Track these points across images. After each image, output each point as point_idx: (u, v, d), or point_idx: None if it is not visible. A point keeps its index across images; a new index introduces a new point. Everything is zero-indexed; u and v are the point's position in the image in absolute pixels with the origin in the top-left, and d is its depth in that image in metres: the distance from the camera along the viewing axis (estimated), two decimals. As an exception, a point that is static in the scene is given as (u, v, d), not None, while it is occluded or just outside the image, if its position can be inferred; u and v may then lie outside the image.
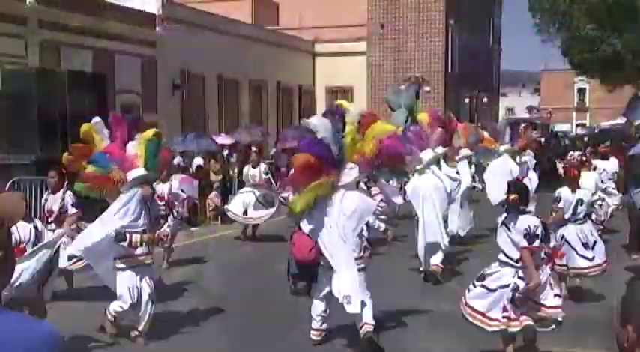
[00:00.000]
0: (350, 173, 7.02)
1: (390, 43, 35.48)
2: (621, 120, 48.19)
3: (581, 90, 74.79)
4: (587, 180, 9.85)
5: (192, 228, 14.16)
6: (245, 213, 13.64)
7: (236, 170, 18.54)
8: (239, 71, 28.97)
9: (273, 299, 9.03)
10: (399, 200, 9.69)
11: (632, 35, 24.36)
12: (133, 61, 22.84)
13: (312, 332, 7.24)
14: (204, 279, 10.34)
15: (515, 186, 6.59)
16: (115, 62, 21.69)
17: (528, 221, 6.22)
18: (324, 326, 7.27)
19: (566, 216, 8.56)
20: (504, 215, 6.48)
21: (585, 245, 8.69)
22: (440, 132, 11.56)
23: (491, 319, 6.20)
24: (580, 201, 8.69)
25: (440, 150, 10.83)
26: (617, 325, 1.85)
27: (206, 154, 18.58)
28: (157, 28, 23.99)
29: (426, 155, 10.13)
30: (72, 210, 8.67)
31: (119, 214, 6.98)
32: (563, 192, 8.77)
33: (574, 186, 8.78)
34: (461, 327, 6.71)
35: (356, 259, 6.99)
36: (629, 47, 24.81)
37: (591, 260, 8.69)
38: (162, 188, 10.58)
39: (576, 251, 8.69)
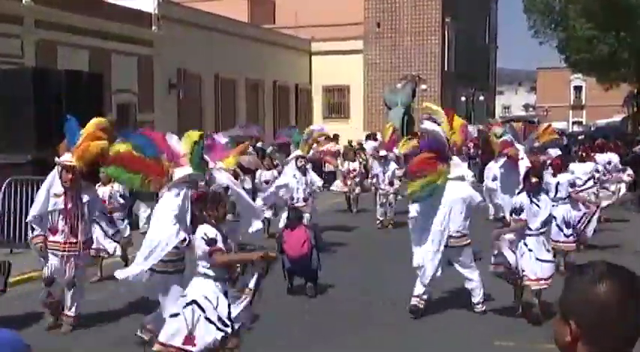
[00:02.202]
0: (457, 167, 8.04)
1: (387, 42, 35.52)
2: (617, 118, 48.40)
3: (578, 88, 74.96)
4: (584, 167, 11.88)
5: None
6: None
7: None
8: (236, 70, 28.97)
9: (269, 297, 9.03)
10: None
11: (628, 34, 24.41)
12: (130, 60, 22.84)
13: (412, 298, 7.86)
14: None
15: (535, 171, 8.03)
16: (111, 61, 21.69)
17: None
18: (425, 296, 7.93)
19: (551, 196, 9.26)
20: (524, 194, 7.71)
21: (567, 223, 9.83)
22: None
23: (539, 280, 7.41)
24: (558, 183, 10.08)
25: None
26: (557, 320, 1.81)
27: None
28: (154, 27, 24.00)
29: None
30: None
31: (176, 218, 6.12)
32: (547, 177, 9.90)
33: (555, 172, 10.24)
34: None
35: (460, 237, 7.87)
36: (626, 46, 24.86)
37: (568, 237, 9.83)
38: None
39: (558, 226, 9.72)
